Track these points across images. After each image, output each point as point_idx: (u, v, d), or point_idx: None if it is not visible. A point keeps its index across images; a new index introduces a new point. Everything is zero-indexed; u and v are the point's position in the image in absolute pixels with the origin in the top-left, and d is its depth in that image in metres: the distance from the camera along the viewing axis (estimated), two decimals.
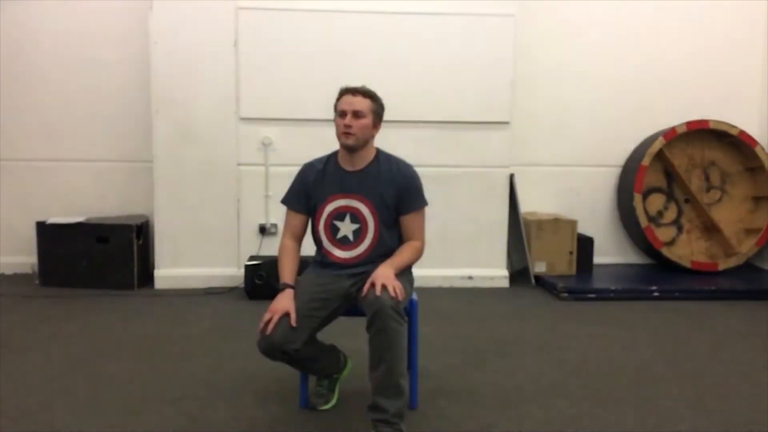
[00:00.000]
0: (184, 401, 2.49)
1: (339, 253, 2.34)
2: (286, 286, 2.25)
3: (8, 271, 4.67)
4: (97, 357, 2.98)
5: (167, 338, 3.29)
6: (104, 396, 2.54)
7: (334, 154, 2.39)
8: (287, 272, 2.30)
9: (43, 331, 3.37)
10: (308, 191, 2.36)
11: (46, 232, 4.31)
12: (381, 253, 2.33)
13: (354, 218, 2.32)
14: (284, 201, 2.43)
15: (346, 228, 2.33)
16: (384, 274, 2.12)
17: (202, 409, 2.43)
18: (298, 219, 2.40)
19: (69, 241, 4.29)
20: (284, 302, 2.17)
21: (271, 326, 2.12)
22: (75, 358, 2.96)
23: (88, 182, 4.75)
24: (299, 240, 2.40)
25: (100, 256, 4.28)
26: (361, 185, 2.32)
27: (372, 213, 2.31)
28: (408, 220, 2.35)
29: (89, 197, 4.72)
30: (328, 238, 2.35)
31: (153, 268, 4.41)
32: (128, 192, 4.73)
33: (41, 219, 4.36)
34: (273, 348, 2.13)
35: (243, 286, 4.18)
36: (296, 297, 2.22)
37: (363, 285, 2.19)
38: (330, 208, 2.33)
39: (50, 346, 3.13)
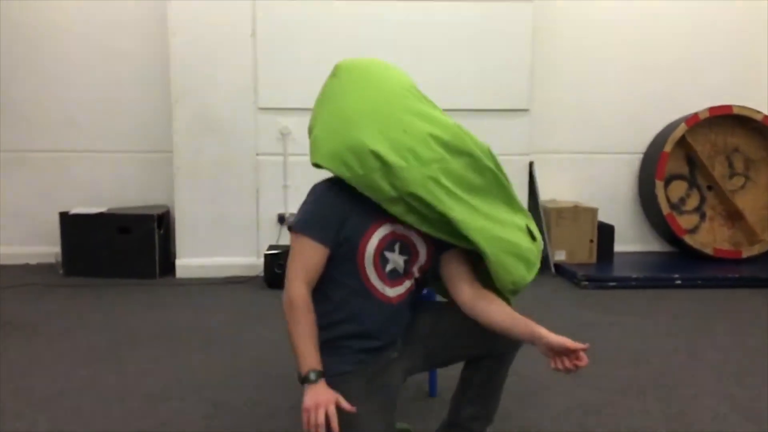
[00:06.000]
0: (206, 388, 2.52)
1: (389, 292, 1.74)
2: (315, 372, 1.56)
3: (33, 261, 4.74)
4: (121, 345, 3.02)
5: (189, 327, 3.33)
6: (128, 383, 2.57)
7: None
8: (310, 349, 1.60)
9: (68, 319, 3.42)
10: (343, 217, 1.69)
11: (69, 223, 4.37)
12: (417, 293, 1.86)
13: (404, 248, 1.76)
14: (299, 227, 1.69)
15: (396, 260, 1.76)
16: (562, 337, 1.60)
17: (224, 395, 2.46)
18: (319, 254, 1.68)
19: (91, 231, 4.34)
20: (325, 394, 1.54)
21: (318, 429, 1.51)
22: (99, 346, 3.01)
23: (109, 173, 4.80)
24: (312, 288, 1.68)
25: (122, 246, 4.33)
26: None
27: (425, 242, 1.77)
28: (455, 258, 1.78)
29: (110, 188, 4.78)
30: (378, 272, 1.73)
31: (174, 257, 4.46)
32: (149, 182, 4.78)
33: (64, 210, 4.42)
34: None
35: (262, 275, 4.21)
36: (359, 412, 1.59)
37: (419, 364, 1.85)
38: (381, 233, 1.72)
39: (75, 334, 3.18)
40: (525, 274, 1.76)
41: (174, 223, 4.47)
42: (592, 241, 4.65)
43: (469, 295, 1.74)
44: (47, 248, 4.67)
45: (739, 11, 4.95)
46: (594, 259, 4.64)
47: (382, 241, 1.73)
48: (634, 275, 4.33)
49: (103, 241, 4.33)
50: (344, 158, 1.65)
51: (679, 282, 4.25)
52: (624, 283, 4.24)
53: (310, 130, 1.83)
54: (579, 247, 4.64)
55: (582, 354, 1.56)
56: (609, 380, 2.63)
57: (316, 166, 1.73)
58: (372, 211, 1.71)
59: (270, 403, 2.40)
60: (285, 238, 4.38)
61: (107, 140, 4.78)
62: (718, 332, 3.29)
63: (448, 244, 1.76)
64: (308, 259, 1.67)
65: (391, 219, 1.73)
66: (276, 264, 4.09)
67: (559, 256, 4.64)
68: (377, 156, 1.63)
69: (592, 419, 2.29)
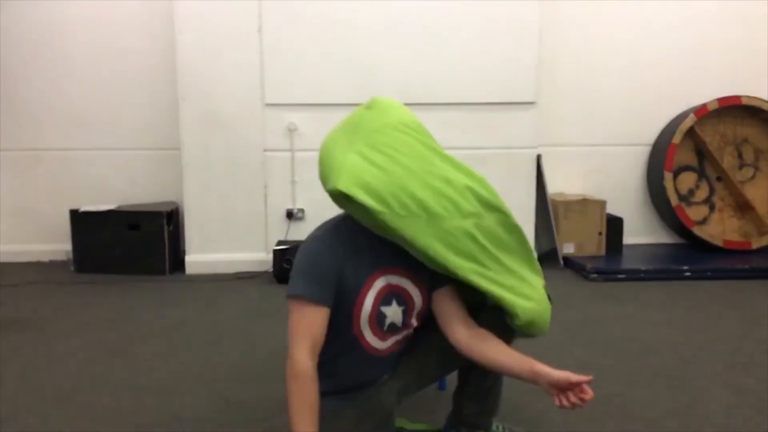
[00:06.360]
0: (217, 383, 2.54)
1: (382, 345, 1.75)
2: None
3: (44, 259, 4.78)
4: (132, 341, 3.05)
5: (199, 322, 3.35)
6: (140, 378, 2.60)
7: (348, 217, 1.73)
8: (308, 428, 1.54)
9: (80, 316, 3.45)
10: (339, 273, 1.64)
11: (79, 220, 4.40)
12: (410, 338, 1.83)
13: (400, 299, 1.73)
14: (298, 291, 1.61)
15: (395, 312, 1.73)
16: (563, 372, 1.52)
17: (234, 390, 2.48)
18: (321, 316, 1.61)
19: (102, 228, 4.37)
20: None
21: None
22: (110, 342, 3.04)
23: (118, 170, 4.82)
24: (317, 355, 1.61)
25: (132, 242, 4.36)
26: (400, 251, 1.70)
27: (418, 287, 1.76)
28: (447, 297, 1.75)
29: (120, 185, 4.80)
30: (372, 328, 1.71)
31: (183, 253, 4.48)
32: (158, 179, 4.80)
33: (74, 207, 4.45)
34: None
35: (271, 270, 4.23)
36: None
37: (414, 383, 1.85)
38: (375, 289, 1.69)
39: (87, 330, 3.20)
40: (541, 333, 1.80)
41: (183, 219, 4.49)
42: (600, 233, 4.64)
43: (464, 334, 1.69)
44: (58, 246, 4.70)
45: (747, 1, 4.90)
46: (603, 252, 4.63)
47: (378, 296, 1.69)
48: (644, 267, 4.31)
49: (113, 237, 4.36)
50: (382, 195, 1.59)
51: (688, 274, 4.23)
52: (633, 276, 4.23)
53: (330, 152, 1.71)
54: (587, 239, 4.63)
55: (586, 387, 1.48)
56: (618, 371, 2.63)
57: (336, 192, 1.61)
58: (366, 264, 1.68)
59: (280, 398, 2.40)
60: (293, 234, 4.40)
61: (115, 138, 4.80)
62: (728, 324, 3.28)
63: (439, 282, 1.74)
64: (311, 323, 1.60)
65: (386, 270, 1.71)
66: (285, 259, 4.10)
67: (568, 248, 4.63)
68: (420, 202, 1.62)
69: (601, 410, 2.29)
